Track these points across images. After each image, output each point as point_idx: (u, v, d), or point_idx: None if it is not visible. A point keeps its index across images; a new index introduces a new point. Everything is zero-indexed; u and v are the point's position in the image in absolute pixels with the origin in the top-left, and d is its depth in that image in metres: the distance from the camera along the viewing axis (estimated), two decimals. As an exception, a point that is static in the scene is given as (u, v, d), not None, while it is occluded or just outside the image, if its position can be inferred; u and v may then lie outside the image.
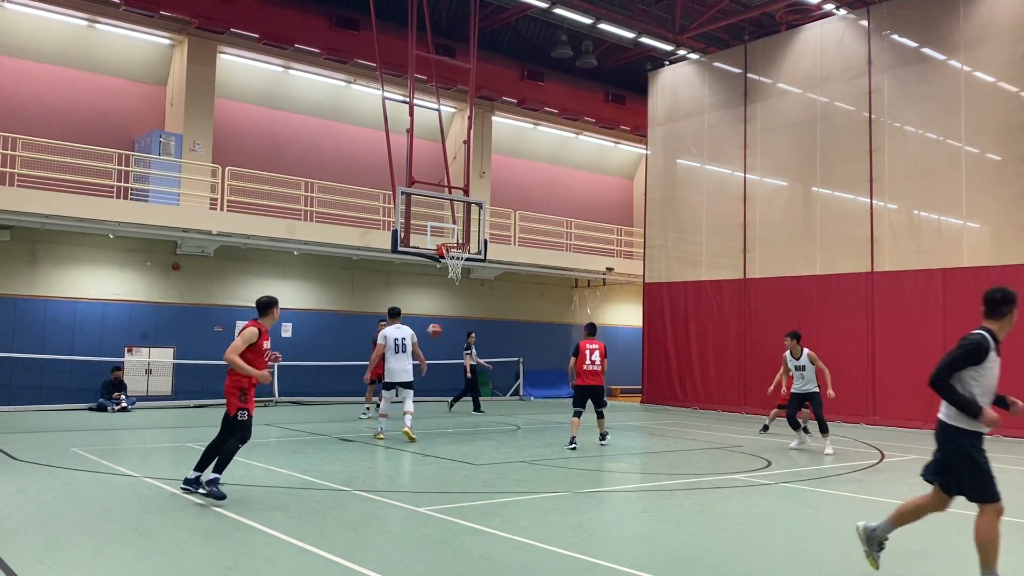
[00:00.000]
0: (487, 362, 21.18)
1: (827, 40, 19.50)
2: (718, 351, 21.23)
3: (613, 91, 26.99)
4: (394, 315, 13.49)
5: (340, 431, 14.16)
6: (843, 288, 18.55)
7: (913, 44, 17.95)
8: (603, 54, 25.10)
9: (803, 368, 12.86)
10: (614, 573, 5.51)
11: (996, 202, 16.51)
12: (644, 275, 23.67)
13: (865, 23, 18.71)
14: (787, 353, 13.15)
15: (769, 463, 11.24)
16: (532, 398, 24.39)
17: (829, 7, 19.50)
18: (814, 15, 20.04)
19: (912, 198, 17.88)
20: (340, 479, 9.06)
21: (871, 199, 18.30)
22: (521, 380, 24.64)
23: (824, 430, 12.57)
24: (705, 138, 22.20)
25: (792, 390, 13.07)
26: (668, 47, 22.72)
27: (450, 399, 19.85)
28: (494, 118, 25.58)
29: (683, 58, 23.00)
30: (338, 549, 5.95)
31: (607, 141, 28.65)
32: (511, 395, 24.52)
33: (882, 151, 18.20)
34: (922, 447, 13.67)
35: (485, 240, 17.88)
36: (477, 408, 19.21)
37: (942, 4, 17.42)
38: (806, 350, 12.88)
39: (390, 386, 13.15)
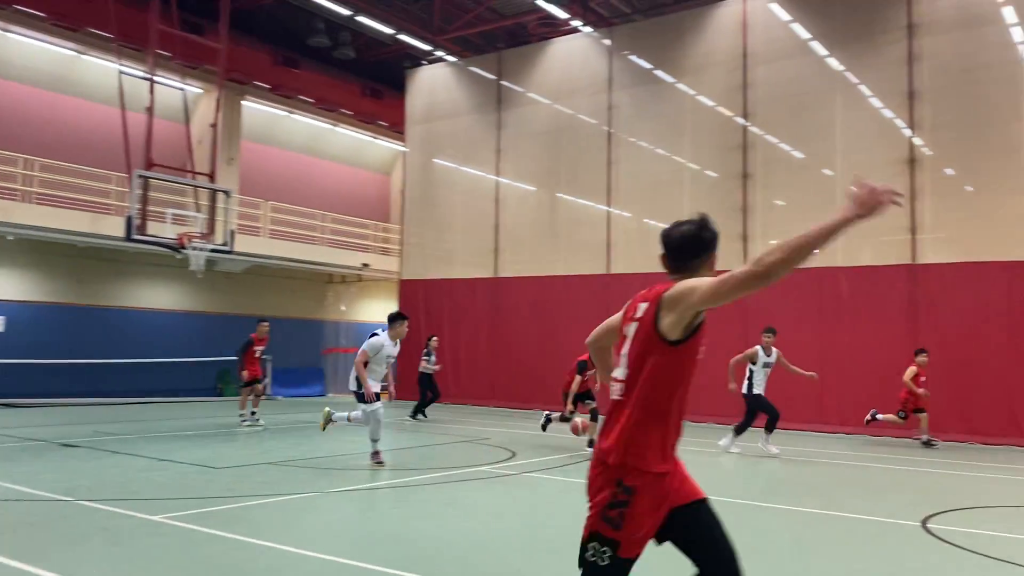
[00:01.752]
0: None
1: (574, 55, 20.74)
2: (470, 347, 21.84)
3: (371, 85, 26.82)
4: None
5: (62, 436, 12.84)
6: (584, 288, 19.83)
7: (648, 66, 19.60)
8: (362, 47, 24.87)
9: (770, 366, 12.29)
10: (364, 572, 5.51)
11: (713, 215, 18.30)
12: (400, 272, 23.79)
13: (607, 42, 20.13)
14: (759, 348, 12.28)
15: (514, 454, 11.77)
16: (280, 397, 23.62)
17: (576, 23, 20.73)
18: (563, 30, 21.22)
19: (642, 207, 19.54)
20: (61, 488, 8.23)
21: (608, 207, 19.74)
22: (269, 379, 23.76)
23: (771, 429, 12.37)
24: (461, 140, 22.75)
25: (757, 392, 12.21)
26: (427, 47, 22.99)
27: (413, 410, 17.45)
28: (244, 103, 24.45)
29: (441, 59, 23.39)
30: (58, 567, 5.42)
31: (365, 135, 28.41)
32: (258, 393, 23.58)
33: (619, 163, 19.69)
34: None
35: (232, 230, 17.05)
36: (416, 413, 17.18)
37: (673, 31, 19.18)
38: (775, 348, 12.42)
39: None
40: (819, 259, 17.10)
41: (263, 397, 15.75)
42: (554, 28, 21.49)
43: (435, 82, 23.48)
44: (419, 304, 22.91)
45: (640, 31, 19.90)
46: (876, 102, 16.68)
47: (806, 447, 13.81)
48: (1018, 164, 15.20)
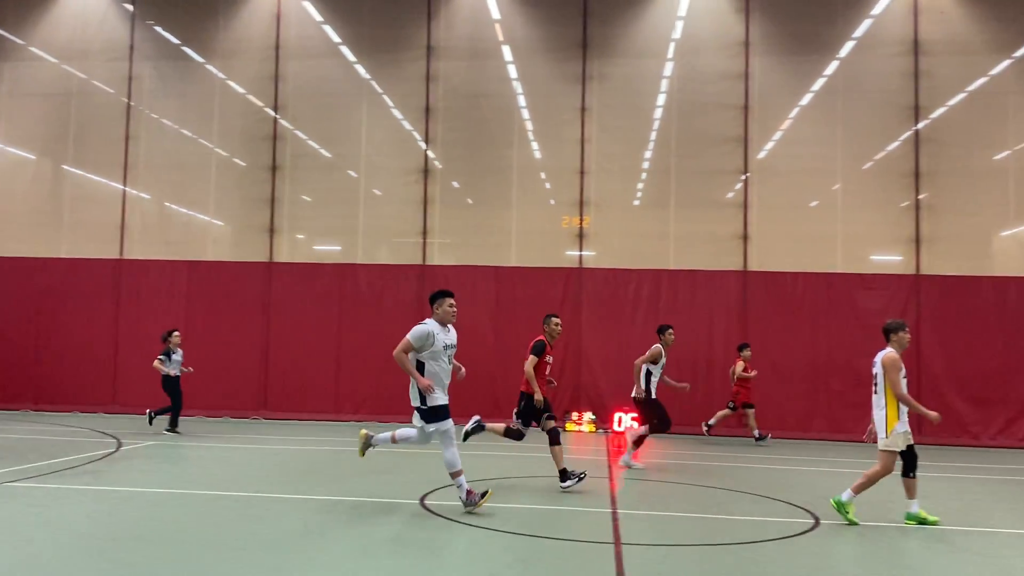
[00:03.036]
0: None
1: (89, 14, 18.63)
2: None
3: None
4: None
5: None
6: (91, 274, 17.92)
7: (175, 40, 18.47)
8: None
9: (663, 367, 11.53)
10: None
11: (240, 204, 18.15)
12: None
13: (130, 8, 18.50)
14: (661, 347, 11.41)
15: (-7, 463, 10.21)
16: None
17: (94, -20, 18.65)
18: (77, -17, 18.92)
19: (164, 190, 18.42)
20: None
21: (124, 186, 18.17)
22: None
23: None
24: (-65, 89, 18.93)
25: (654, 394, 11.36)
26: None
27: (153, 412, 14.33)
28: None
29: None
30: None
31: None
32: None
33: (139, 139, 18.24)
34: (142, 431, 14.09)
35: None
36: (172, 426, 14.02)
37: (204, 9, 18.35)
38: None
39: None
40: (341, 255, 17.95)
41: None
42: (65, -21, 19.05)
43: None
44: None
45: (168, 2, 18.65)
46: (398, 113, 17.99)
47: (320, 435, 14.34)
48: (509, 184, 17.68)
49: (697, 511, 8.50)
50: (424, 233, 17.54)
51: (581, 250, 17.29)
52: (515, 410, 9.83)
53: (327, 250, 18.21)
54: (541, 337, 9.80)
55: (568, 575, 5.96)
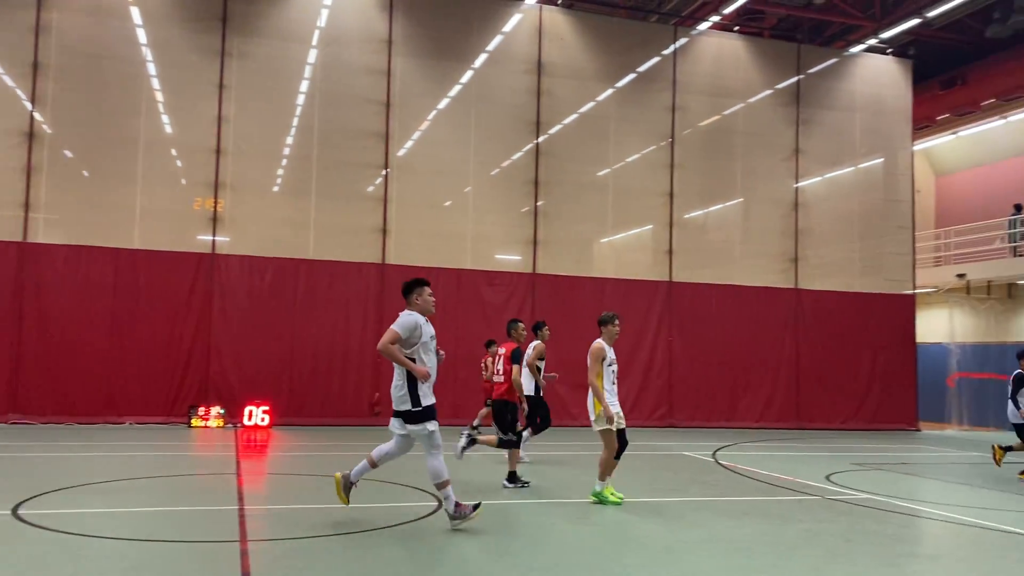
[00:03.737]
0: None
1: None
2: None
3: None
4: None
5: None
6: None
7: None
8: None
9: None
10: None
11: None
12: None
13: None
14: (543, 345, 11.07)
15: None
16: None
17: None
18: None
19: None
20: None
21: None
22: None
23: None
24: None
25: (535, 393, 10.89)
26: None
27: None
28: None
29: None
30: None
31: None
32: None
33: None
34: None
35: None
36: None
37: None
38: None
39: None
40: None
41: None
42: None
43: None
44: None
45: None
46: (-2, 66, 15.58)
47: None
48: (133, 157, 16.20)
49: (325, 503, 8.59)
50: (26, 206, 15.40)
51: (215, 235, 16.44)
52: (499, 422, 9.79)
53: None
54: (514, 345, 10.18)
55: (190, 579, 5.68)
